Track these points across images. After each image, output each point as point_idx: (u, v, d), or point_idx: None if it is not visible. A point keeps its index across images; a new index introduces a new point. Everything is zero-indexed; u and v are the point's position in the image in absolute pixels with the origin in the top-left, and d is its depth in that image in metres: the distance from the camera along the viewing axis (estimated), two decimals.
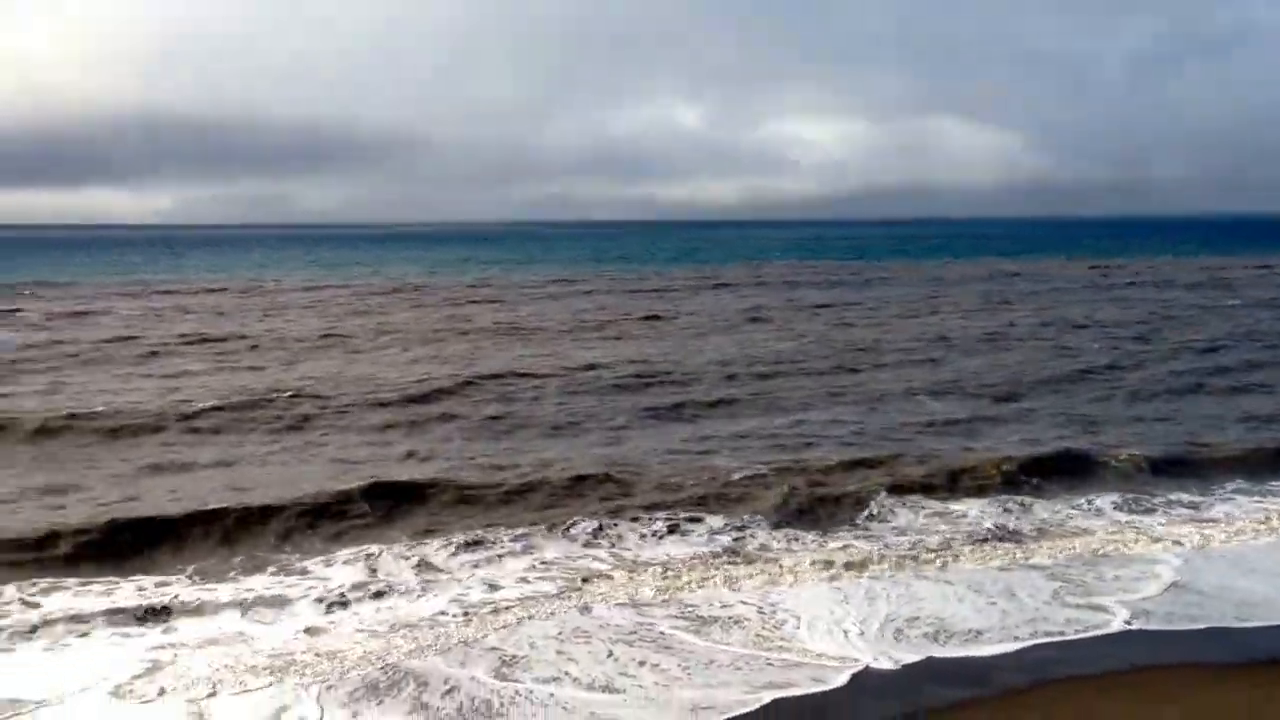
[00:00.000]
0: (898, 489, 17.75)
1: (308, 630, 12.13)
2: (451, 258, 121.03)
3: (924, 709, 10.32)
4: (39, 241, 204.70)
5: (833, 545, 15.41)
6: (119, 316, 48.52)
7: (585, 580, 13.87)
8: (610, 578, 13.97)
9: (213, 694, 10.42)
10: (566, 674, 10.94)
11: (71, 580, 13.52)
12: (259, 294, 63.05)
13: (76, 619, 12.17)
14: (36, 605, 12.73)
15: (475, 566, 14.29)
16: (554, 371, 30.14)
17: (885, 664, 11.23)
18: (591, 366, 31.06)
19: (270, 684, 10.68)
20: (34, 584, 13.32)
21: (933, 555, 14.73)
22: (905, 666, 11.19)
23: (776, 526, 16.11)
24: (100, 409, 23.92)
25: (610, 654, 11.49)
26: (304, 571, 14.09)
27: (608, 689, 10.61)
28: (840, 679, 10.89)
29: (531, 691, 10.51)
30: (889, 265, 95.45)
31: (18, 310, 50.45)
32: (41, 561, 14.07)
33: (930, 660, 11.34)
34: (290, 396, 25.90)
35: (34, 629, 11.94)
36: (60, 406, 24.43)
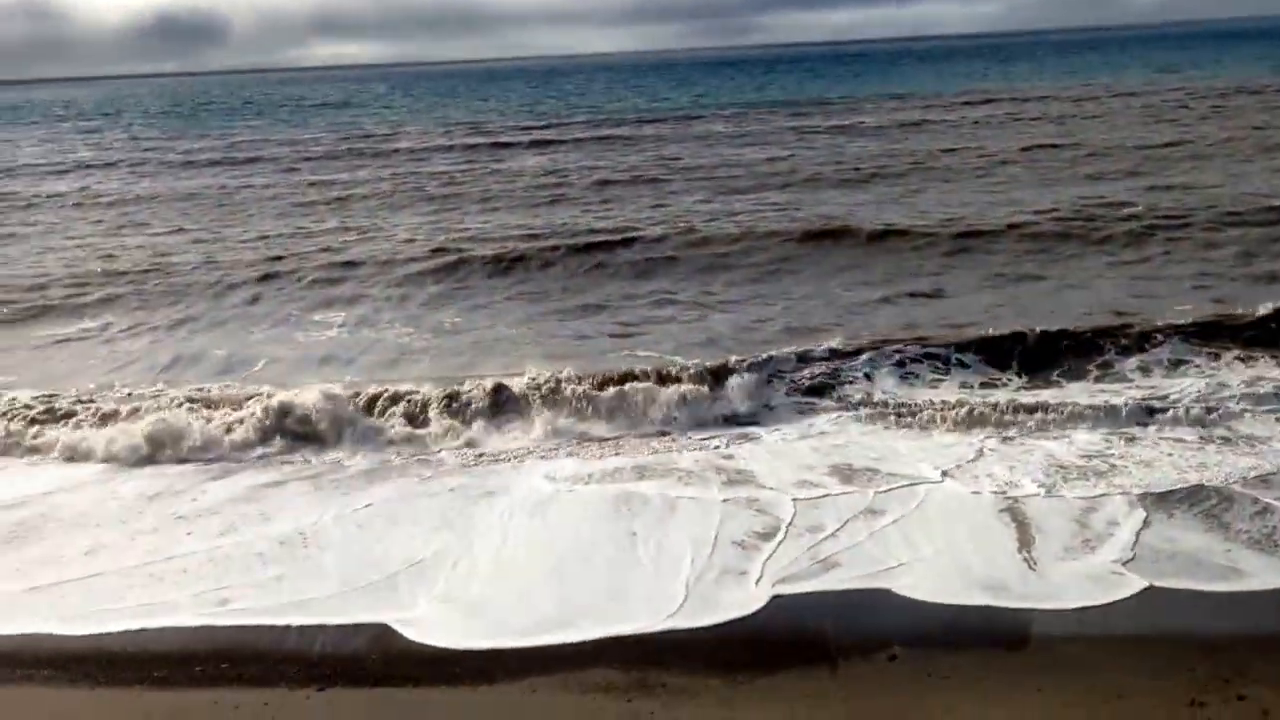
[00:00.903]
0: None
1: (1123, 437, 12.68)
2: None
3: None
4: (872, 55, 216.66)
5: None
6: (949, 125, 50.37)
7: None
8: None
9: (1040, 490, 11.18)
10: None
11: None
12: (1091, 100, 60.94)
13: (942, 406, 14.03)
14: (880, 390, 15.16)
15: None
16: None
17: None
18: None
19: (1076, 486, 11.30)
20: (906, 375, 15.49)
21: None
22: None
23: None
24: (942, 219, 25.71)
25: None
26: (1124, 379, 14.83)
27: None
28: None
29: None
30: None
31: (860, 122, 54.44)
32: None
33: None
34: (1131, 209, 25.39)
35: (897, 415, 13.91)
36: (901, 216, 26.38)
